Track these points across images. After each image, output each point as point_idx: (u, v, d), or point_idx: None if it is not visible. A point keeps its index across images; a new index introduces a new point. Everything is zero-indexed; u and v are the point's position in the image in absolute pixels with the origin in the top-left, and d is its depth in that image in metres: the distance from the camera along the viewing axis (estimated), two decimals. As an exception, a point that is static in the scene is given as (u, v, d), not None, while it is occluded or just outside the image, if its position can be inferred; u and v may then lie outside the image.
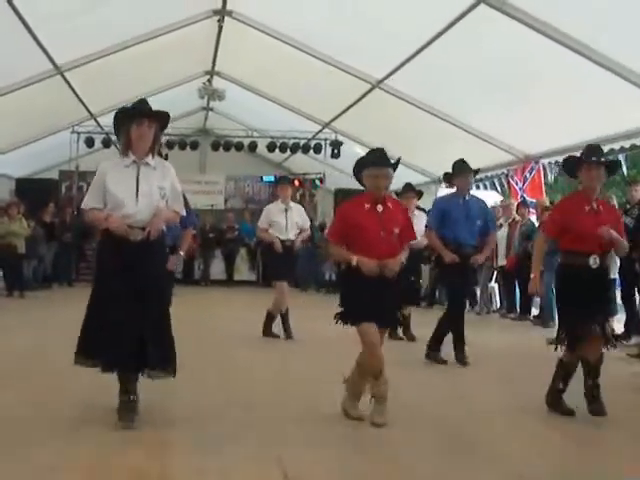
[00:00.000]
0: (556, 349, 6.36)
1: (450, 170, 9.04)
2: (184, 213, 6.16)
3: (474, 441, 5.45)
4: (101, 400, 5.85)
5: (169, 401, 6.16)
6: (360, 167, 6.12)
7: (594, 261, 6.21)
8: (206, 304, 15.36)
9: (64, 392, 6.36)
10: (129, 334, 5.36)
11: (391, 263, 5.89)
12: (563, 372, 6.39)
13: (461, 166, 8.93)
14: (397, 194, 11.12)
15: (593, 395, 6.25)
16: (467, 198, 8.97)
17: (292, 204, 10.89)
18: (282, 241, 10.51)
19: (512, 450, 5.27)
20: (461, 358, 8.74)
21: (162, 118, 5.81)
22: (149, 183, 5.68)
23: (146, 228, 5.54)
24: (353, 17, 12.30)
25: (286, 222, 10.60)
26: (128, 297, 5.40)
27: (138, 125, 5.60)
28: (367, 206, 6.01)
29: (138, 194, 5.60)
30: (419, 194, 11.41)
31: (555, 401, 6.40)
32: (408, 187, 11.26)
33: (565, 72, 10.75)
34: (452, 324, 8.85)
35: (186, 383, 6.33)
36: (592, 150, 6.43)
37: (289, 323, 10.56)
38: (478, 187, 17.74)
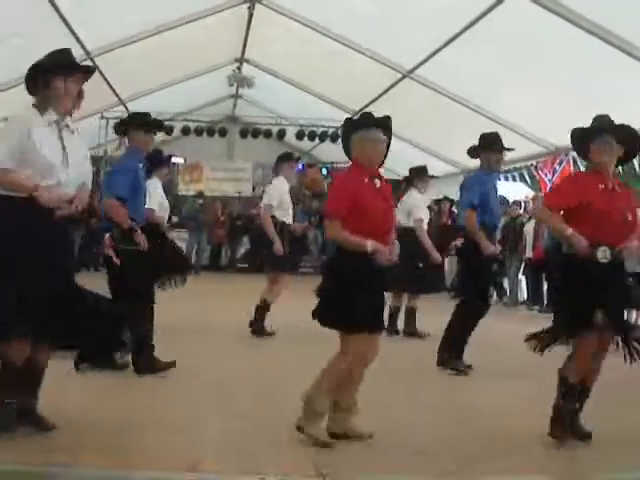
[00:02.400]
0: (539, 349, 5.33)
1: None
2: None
3: None
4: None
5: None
6: (354, 128, 5.16)
7: (604, 254, 5.04)
8: (230, 290, 15.45)
9: None
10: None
11: (394, 250, 5.02)
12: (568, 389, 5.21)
13: (496, 138, 7.98)
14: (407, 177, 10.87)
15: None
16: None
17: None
18: (288, 225, 9.84)
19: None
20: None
21: (89, 74, 5.10)
22: (75, 150, 4.82)
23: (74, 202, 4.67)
24: (384, 5, 12.23)
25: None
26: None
27: (68, 77, 4.81)
28: (366, 181, 5.04)
29: (68, 161, 4.71)
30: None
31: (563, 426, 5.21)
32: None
33: (599, 65, 10.62)
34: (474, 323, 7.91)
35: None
36: (599, 120, 5.49)
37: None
38: (507, 179, 17.66)
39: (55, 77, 4.77)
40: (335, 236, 4.98)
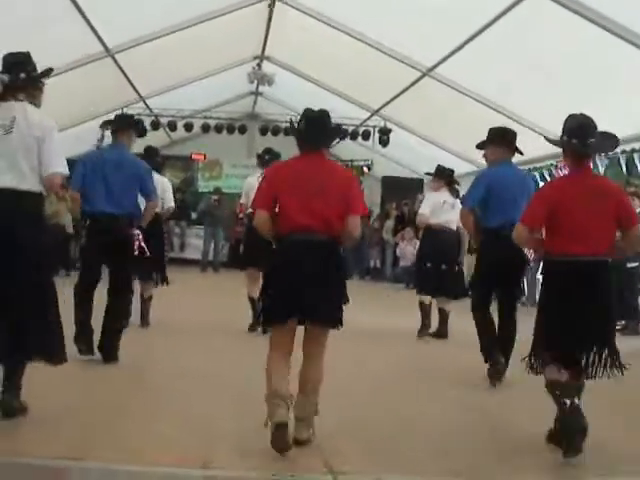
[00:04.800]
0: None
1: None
2: None
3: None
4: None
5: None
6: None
7: None
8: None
9: None
10: None
11: None
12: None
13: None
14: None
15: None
16: None
17: None
18: None
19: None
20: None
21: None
22: None
23: None
24: (404, 4, 12.20)
25: None
26: None
27: None
28: None
29: None
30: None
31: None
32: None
33: (618, 64, 10.56)
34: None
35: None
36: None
37: None
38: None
39: None
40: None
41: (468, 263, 14.85)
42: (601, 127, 5.28)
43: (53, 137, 5.08)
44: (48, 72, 5.31)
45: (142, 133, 8.28)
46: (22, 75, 5.09)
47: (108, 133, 8.43)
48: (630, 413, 6.35)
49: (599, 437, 4.95)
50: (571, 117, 5.28)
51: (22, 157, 4.94)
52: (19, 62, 5.15)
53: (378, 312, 11.96)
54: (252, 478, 4.42)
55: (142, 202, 7.83)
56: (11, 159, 4.93)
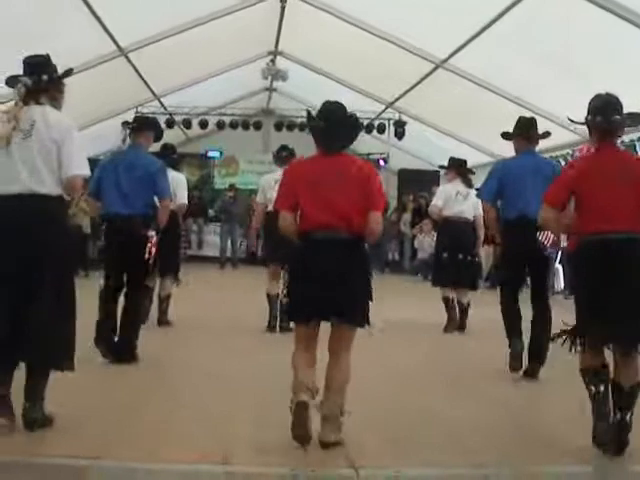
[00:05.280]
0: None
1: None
2: None
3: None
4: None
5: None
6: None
7: None
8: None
9: None
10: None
11: None
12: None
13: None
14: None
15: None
16: None
17: None
18: None
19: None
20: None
21: None
22: None
23: None
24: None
25: None
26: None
27: None
28: None
29: None
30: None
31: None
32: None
33: (633, 51, 10.49)
34: None
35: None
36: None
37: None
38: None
39: None
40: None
41: (486, 254, 14.84)
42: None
43: (73, 138, 5.07)
44: (69, 73, 5.30)
45: (159, 135, 8.36)
46: (44, 77, 5.09)
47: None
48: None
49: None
50: (596, 97, 5.24)
51: (41, 161, 4.93)
52: (40, 64, 5.14)
53: (398, 305, 11.91)
54: (272, 473, 4.42)
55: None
56: (30, 164, 4.92)
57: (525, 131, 7.67)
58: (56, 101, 5.22)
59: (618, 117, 5.11)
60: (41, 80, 5.07)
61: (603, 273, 4.86)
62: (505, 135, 7.87)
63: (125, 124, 8.55)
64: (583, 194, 5.03)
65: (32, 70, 5.09)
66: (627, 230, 4.87)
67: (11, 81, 5.09)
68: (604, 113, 5.09)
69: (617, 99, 5.17)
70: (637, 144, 12.86)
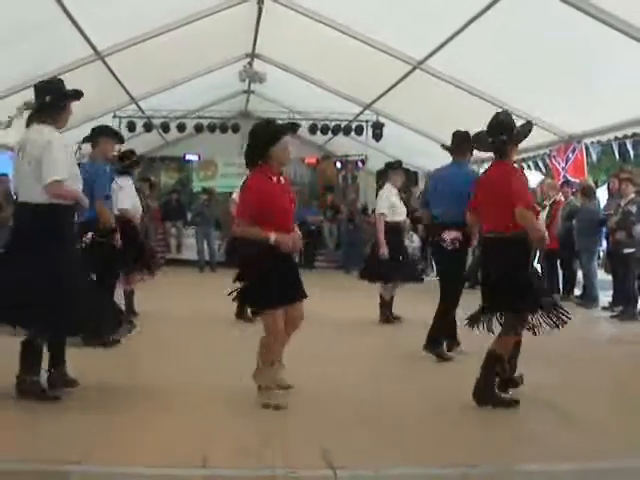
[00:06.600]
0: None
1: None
2: None
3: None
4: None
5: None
6: (274, 138, 5.87)
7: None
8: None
9: None
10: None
11: (298, 237, 5.98)
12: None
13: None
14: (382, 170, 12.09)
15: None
16: None
17: None
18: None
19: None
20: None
21: None
22: None
23: None
24: (393, -2, 12.21)
25: None
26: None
27: None
28: (274, 179, 5.94)
29: None
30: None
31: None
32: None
33: (606, 50, 10.55)
34: None
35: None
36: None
37: None
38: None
39: None
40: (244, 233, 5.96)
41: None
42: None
43: (51, 150, 5.71)
44: (69, 95, 6.20)
45: (120, 139, 8.97)
46: (47, 99, 5.91)
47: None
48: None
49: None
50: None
51: (31, 176, 5.75)
52: (43, 88, 6.03)
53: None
54: (251, 476, 4.42)
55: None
56: (25, 179, 5.82)
57: (455, 146, 8.82)
58: (55, 122, 6.01)
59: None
60: (44, 102, 5.93)
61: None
62: (444, 147, 9.11)
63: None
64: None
65: (37, 94, 6.00)
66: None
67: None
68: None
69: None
70: (628, 141, 12.85)
